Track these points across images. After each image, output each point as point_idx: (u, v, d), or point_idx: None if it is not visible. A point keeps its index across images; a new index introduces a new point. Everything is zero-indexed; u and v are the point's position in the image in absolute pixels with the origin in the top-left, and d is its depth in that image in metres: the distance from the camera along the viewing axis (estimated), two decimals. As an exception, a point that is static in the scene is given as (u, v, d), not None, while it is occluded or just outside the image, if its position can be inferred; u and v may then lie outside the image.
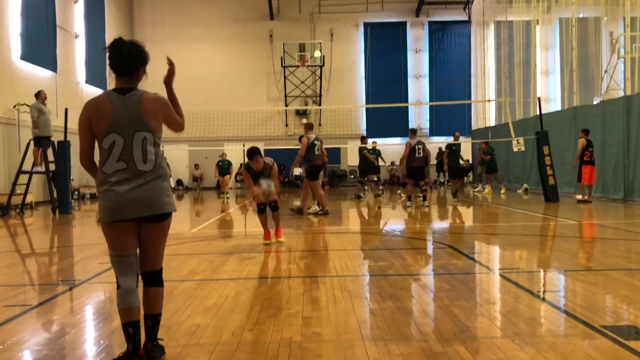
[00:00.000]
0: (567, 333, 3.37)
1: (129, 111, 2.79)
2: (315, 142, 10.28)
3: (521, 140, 14.76)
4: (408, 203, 12.61)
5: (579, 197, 12.88)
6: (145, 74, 2.94)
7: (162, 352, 3.00)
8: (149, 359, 2.88)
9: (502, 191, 16.93)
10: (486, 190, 17.27)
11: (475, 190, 18.09)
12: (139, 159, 2.80)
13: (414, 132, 12.68)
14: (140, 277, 3.01)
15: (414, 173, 12.33)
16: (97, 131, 2.79)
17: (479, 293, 4.47)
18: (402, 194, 15.34)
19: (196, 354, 3.06)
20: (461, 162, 15.29)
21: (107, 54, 2.90)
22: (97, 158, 2.92)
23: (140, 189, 2.77)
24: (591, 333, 3.29)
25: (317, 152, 10.20)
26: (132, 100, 2.81)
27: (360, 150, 16.00)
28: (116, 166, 2.77)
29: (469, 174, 24.24)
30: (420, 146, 12.18)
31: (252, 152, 6.78)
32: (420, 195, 12.35)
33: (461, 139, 24.50)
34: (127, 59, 2.86)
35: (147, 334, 2.93)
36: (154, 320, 2.95)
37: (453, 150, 14.73)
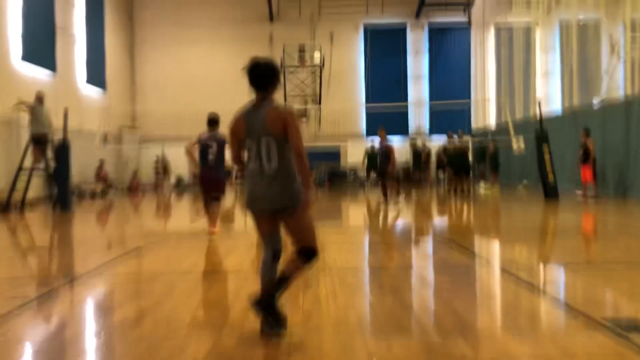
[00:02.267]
0: (567, 327, 3.37)
1: (257, 121, 3.33)
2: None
3: (521, 139, 14.79)
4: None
5: (591, 194, 13.22)
6: (278, 86, 3.45)
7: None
8: (268, 325, 3.28)
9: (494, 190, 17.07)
10: (492, 188, 17.40)
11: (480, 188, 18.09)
12: (265, 160, 3.30)
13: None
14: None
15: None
16: (241, 137, 3.41)
17: (479, 287, 4.48)
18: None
19: (197, 347, 3.06)
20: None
21: (246, 72, 3.39)
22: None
23: (265, 186, 3.29)
24: (591, 327, 3.29)
25: None
26: (261, 111, 3.34)
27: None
28: (253, 165, 3.34)
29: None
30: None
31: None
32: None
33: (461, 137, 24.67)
34: (259, 78, 3.36)
35: (278, 284, 3.41)
36: (282, 280, 3.41)
37: (458, 152, 14.83)
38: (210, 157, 7.76)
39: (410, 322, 3.47)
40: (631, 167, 12.75)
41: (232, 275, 4.99)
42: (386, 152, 12.70)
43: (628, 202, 11.59)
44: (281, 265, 3.51)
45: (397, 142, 22.53)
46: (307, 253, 3.47)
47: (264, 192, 3.30)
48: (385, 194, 12.81)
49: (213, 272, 5.18)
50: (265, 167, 3.29)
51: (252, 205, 3.37)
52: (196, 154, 7.82)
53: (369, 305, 3.93)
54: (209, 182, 7.76)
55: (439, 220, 10.22)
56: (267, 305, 3.28)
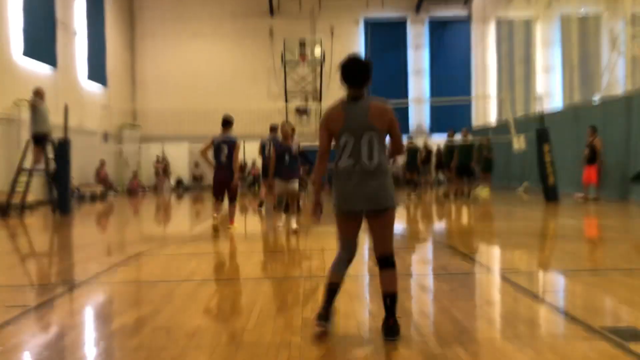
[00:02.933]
0: (567, 334, 3.37)
1: (359, 115, 3.23)
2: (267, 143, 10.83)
3: (522, 138, 14.73)
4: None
5: (591, 196, 13.03)
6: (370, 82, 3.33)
7: (399, 329, 3.28)
8: (390, 333, 3.24)
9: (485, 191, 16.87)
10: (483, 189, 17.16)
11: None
12: (366, 156, 3.19)
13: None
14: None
15: None
16: (333, 133, 3.28)
17: (478, 294, 4.47)
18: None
19: (196, 356, 3.07)
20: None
21: (341, 70, 3.35)
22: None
23: (364, 184, 3.16)
24: (591, 334, 3.29)
25: (266, 154, 10.69)
26: (363, 105, 3.26)
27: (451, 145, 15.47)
28: (347, 162, 3.20)
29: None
30: None
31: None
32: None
33: (458, 135, 24.64)
34: (358, 74, 3.28)
35: (388, 311, 3.28)
36: (392, 298, 3.30)
37: (463, 148, 14.63)
38: (223, 158, 8.02)
39: (410, 330, 3.47)
40: (632, 167, 12.67)
41: (232, 283, 4.99)
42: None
43: (629, 204, 11.53)
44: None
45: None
46: (388, 262, 3.34)
47: (364, 191, 3.15)
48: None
49: (213, 279, 5.18)
50: (364, 164, 3.17)
51: (347, 204, 3.20)
52: (211, 156, 8.21)
53: (369, 313, 3.93)
54: (220, 184, 8.08)
55: (438, 225, 10.20)
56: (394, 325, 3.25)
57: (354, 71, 3.27)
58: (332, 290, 3.34)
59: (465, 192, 14.95)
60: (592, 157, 12.75)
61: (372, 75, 3.30)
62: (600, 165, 12.76)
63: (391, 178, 3.27)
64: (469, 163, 14.57)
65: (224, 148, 8.00)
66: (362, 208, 3.20)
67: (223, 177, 8.05)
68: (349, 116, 3.22)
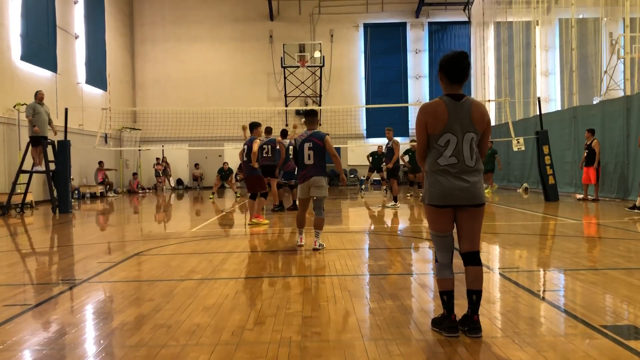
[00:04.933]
0: (567, 333, 3.37)
1: (462, 115, 3.26)
2: (264, 145, 11.04)
3: (521, 140, 14.78)
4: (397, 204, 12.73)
5: (591, 197, 13.22)
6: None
7: (481, 327, 3.30)
8: (474, 330, 3.26)
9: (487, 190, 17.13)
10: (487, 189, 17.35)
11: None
12: (467, 156, 3.27)
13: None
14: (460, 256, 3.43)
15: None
16: (433, 131, 3.28)
17: (478, 293, 4.47)
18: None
19: (196, 354, 3.06)
20: None
21: (445, 65, 3.31)
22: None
23: (465, 181, 3.25)
24: (591, 333, 3.30)
25: (264, 155, 11.05)
26: (465, 105, 3.29)
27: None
28: (448, 160, 3.25)
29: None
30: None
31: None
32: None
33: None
34: (464, 70, 3.29)
35: (472, 308, 3.30)
36: (477, 295, 3.31)
37: None
38: (245, 158, 9.43)
39: (410, 328, 3.47)
40: (631, 168, 12.73)
41: (231, 282, 4.98)
42: (391, 148, 12.80)
43: (628, 204, 11.56)
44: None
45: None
46: (476, 258, 3.35)
47: (464, 187, 3.24)
48: (393, 194, 12.82)
49: (213, 278, 5.18)
50: (466, 163, 3.26)
51: (446, 199, 3.26)
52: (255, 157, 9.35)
53: (369, 311, 3.93)
54: (247, 180, 9.59)
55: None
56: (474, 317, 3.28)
57: (459, 66, 3.27)
58: (450, 296, 3.34)
59: None
60: (591, 159, 12.93)
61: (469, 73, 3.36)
62: (598, 167, 12.91)
63: (482, 176, 3.37)
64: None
65: (245, 148, 9.55)
66: (461, 204, 3.28)
67: (249, 173, 9.48)
68: (453, 115, 3.25)
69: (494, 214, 11.55)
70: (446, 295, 3.33)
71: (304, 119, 7.01)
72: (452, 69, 3.28)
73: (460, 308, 3.48)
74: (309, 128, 6.73)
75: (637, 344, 3.07)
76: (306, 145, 6.64)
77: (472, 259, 3.34)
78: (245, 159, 9.49)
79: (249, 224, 9.46)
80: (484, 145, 3.38)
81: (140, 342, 3.29)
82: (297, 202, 7.55)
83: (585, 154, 13.13)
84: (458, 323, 3.31)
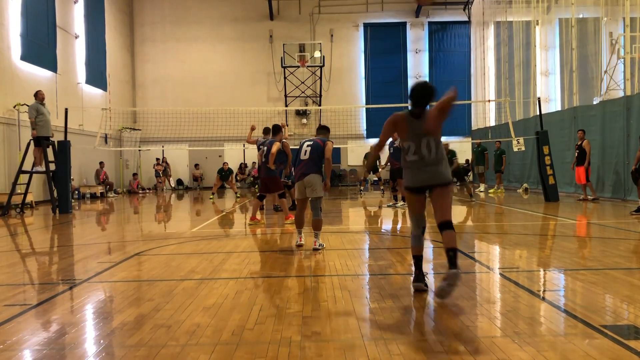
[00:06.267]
0: (567, 332, 3.37)
1: (417, 128, 4.30)
2: (261, 146, 11.05)
3: (521, 140, 14.79)
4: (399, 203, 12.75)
5: (590, 197, 13.24)
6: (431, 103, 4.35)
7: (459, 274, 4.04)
8: (450, 278, 3.96)
9: (490, 191, 17.20)
10: (497, 190, 17.44)
11: (481, 190, 18.06)
12: (425, 153, 4.28)
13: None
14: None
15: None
16: (401, 136, 4.39)
17: (478, 292, 4.47)
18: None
19: (196, 354, 3.06)
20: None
21: (410, 93, 4.35)
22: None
23: (425, 171, 4.29)
24: (591, 332, 3.30)
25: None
26: (421, 120, 4.31)
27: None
28: (412, 157, 4.33)
29: (469, 174, 24.28)
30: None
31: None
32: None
33: (459, 138, 24.70)
34: (424, 97, 4.32)
35: (450, 262, 4.04)
36: (453, 251, 4.08)
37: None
38: (263, 159, 9.44)
39: (410, 328, 3.47)
40: (631, 167, 12.70)
41: (231, 282, 4.98)
42: (398, 148, 12.84)
43: (628, 205, 11.56)
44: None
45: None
46: (448, 225, 4.20)
47: (427, 173, 4.27)
48: (401, 194, 12.81)
49: (213, 278, 5.18)
50: (426, 157, 4.29)
51: (415, 183, 4.31)
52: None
53: (369, 310, 3.93)
54: (263, 182, 9.65)
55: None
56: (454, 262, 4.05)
57: (419, 94, 4.31)
58: (418, 259, 4.44)
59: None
60: (582, 159, 13.04)
61: (433, 98, 4.33)
62: (588, 166, 13.00)
63: (446, 162, 4.34)
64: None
65: (264, 149, 9.59)
66: (428, 184, 4.30)
67: (261, 174, 9.63)
68: (411, 128, 4.31)
69: (495, 214, 11.55)
70: (415, 258, 4.47)
71: (309, 123, 7.32)
72: (414, 96, 4.31)
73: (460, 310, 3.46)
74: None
75: (637, 344, 3.07)
76: (306, 143, 6.72)
77: (446, 226, 4.20)
78: (263, 159, 9.50)
79: (249, 224, 9.47)
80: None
81: (140, 342, 3.29)
82: (296, 202, 7.46)
83: (577, 154, 13.23)
84: (423, 277, 4.43)
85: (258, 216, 9.84)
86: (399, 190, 12.85)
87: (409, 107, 4.41)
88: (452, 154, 16.90)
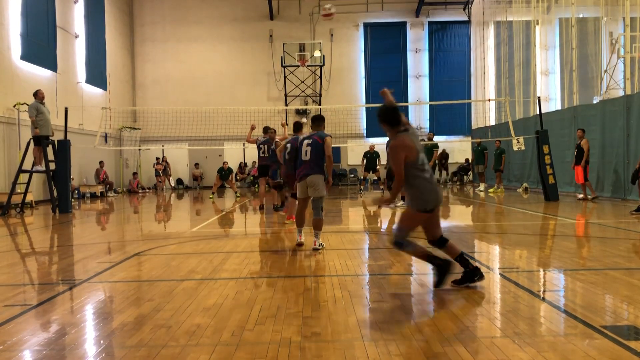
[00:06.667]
0: (567, 333, 3.37)
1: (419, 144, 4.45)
2: (260, 145, 11.29)
3: (521, 139, 14.79)
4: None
5: (590, 196, 13.21)
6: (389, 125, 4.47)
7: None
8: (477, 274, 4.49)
9: (490, 190, 17.20)
10: (497, 189, 17.42)
11: (481, 190, 18.05)
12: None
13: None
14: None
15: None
16: (413, 155, 4.32)
17: (478, 292, 4.47)
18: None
19: (196, 354, 3.06)
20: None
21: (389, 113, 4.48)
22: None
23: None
24: (591, 333, 3.30)
25: (261, 154, 11.33)
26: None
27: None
28: (429, 174, 4.42)
29: (469, 173, 24.31)
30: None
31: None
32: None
33: (459, 138, 24.71)
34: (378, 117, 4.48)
35: (465, 264, 4.50)
36: (461, 255, 4.51)
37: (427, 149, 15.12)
38: (287, 156, 9.04)
39: (410, 328, 3.47)
40: (631, 168, 12.69)
41: (231, 282, 4.98)
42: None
43: (628, 204, 11.56)
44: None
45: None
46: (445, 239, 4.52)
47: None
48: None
49: (213, 278, 5.18)
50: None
51: (438, 203, 4.37)
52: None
53: (369, 311, 3.93)
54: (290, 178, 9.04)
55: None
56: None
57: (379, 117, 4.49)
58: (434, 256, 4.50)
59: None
60: (580, 158, 13.00)
61: (386, 120, 4.43)
62: (586, 165, 12.97)
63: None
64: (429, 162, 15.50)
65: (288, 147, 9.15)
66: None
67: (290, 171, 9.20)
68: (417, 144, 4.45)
69: (495, 214, 11.55)
70: (431, 257, 4.51)
71: (309, 123, 7.04)
72: (395, 116, 4.44)
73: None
74: (314, 131, 6.76)
75: (637, 344, 3.07)
76: (306, 142, 6.63)
77: (445, 238, 4.50)
78: (287, 157, 9.16)
79: (286, 222, 9.34)
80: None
81: (141, 342, 3.29)
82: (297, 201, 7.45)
83: (575, 153, 13.23)
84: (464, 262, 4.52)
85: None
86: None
87: (396, 128, 4.39)
88: (501, 151, 17.06)
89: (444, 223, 10.24)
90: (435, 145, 17.37)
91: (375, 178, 17.02)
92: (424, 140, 17.08)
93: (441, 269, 4.40)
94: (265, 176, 11.37)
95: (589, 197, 13.23)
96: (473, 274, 4.43)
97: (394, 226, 4.40)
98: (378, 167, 17.96)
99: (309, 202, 6.75)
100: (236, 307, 4.03)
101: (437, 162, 21.04)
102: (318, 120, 6.85)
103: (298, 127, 10.83)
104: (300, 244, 6.74)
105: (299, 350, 3.09)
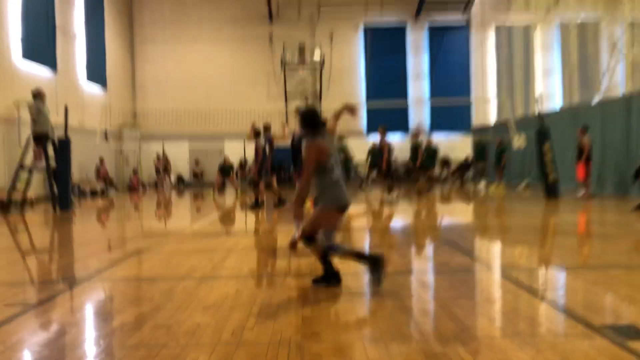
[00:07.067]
0: (567, 332, 3.37)
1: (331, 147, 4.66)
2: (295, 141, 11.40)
3: (522, 137, 14.78)
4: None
5: (584, 194, 13.15)
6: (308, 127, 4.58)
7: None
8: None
9: (491, 187, 17.22)
10: (498, 186, 17.40)
11: (481, 187, 18.05)
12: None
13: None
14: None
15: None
16: (324, 157, 4.47)
17: (479, 292, 4.47)
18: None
19: (196, 354, 3.06)
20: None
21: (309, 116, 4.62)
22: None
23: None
24: (591, 332, 3.29)
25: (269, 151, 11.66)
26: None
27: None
28: (338, 175, 4.59)
29: (469, 170, 24.27)
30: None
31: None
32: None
33: (460, 136, 24.69)
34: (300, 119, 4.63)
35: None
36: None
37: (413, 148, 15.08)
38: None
39: (410, 328, 3.47)
40: (632, 166, 12.69)
41: (232, 280, 4.98)
42: (381, 149, 12.98)
43: (628, 201, 11.56)
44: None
45: (397, 140, 22.50)
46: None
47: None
48: (389, 189, 13.03)
49: (213, 276, 5.18)
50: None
51: (348, 201, 4.53)
52: None
53: (369, 310, 3.93)
54: None
55: (439, 220, 10.21)
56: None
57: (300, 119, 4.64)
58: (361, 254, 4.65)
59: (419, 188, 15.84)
60: (581, 155, 12.96)
61: (305, 123, 4.54)
62: (587, 163, 12.89)
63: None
64: (416, 162, 15.56)
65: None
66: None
67: None
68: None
69: (494, 211, 11.55)
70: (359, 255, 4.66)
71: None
72: (316, 120, 4.56)
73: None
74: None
75: (637, 344, 3.06)
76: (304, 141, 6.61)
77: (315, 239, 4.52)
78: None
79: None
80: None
81: (141, 342, 3.29)
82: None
83: (577, 152, 13.19)
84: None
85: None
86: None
87: (313, 131, 4.52)
88: (502, 149, 17.08)
89: (445, 220, 10.36)
90: (436, 150, 17.28)
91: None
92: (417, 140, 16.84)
93: (375, 264, 4.51)
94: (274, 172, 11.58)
95: (590, 194, 13.16)
96: (333, 276, 4.54)
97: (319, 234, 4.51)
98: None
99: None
100: (236, 307, 4.03)
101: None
102: (306, 125, 6.77)
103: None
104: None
105: (299, 349, 3.09)
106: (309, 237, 4.45)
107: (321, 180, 4.45)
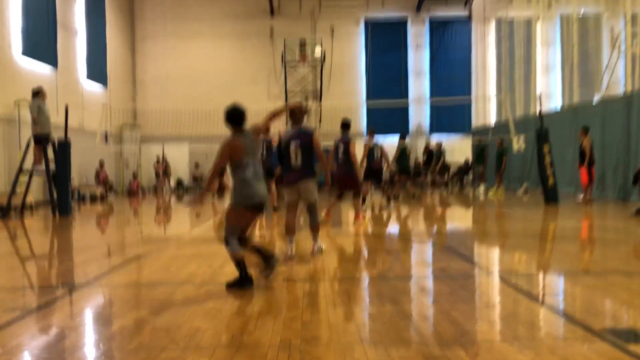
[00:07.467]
0: (567, 336, 3.37)
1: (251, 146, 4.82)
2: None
3: (521, 139, 14.75)
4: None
5: (584, 198, 12.79)
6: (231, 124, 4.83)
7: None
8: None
9: (490, 191, 17.09)
10: (497, 190, 17.18)
11: (480, 191, 18.00)
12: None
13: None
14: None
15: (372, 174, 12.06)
16: (238, 155, 4.71)
17: (478, 296, 4.47)
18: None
19: (196, 357, 3.06)
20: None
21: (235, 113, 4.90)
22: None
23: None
24: (590, 336, 3.29)
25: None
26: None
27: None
28: (252, 173, 4.77)
29: (469, 173, 24.25)
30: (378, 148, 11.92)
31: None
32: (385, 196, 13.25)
33: (459, 136, 24.68)
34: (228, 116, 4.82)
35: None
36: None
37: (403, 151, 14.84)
38: (340, 156, 9.14)
39: (410, 332, 3.47)
40: (632, 168, 12.63)
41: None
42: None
43: (628, 205, 11.51)
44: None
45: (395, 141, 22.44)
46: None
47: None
48: (387, 197, 12.93)
49: (212, 281, 5.18)
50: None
51: (259, 200, 4.59)
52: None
53: (369, 315, 3.93)
54: (342, 180, 9.26)
55: (438, 225, 10.19)
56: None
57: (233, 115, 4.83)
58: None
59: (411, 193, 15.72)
60: (583, 158, 12.44)
61: (228, 120, 4.78)
62: (590, 166, 12.42)
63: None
64: (407, 165, 15.31)
65: (341, 146, 9.20)
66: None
67: (342, 172, 9.18)
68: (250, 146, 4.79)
69: (494, 216, 11.54)
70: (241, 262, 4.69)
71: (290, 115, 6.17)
72: (241, 117, 4.86)
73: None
74: (296, 125, 6.05)
75: (637, 348, 3.06)
76: (293, 143, 5.95)
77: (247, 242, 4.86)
78: (342, 156, 9.00)
79: (355, 224, 9.36)
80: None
81: (140, 345, 3.29)
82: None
83: (580, 154, 12.71)
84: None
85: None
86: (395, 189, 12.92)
87: (236, 128, 4.71)
88: (502, 152, 16.98)
89: (445, 226, 10.32)
90: (440, 152, 17.27)
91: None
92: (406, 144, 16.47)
93: (267, 261, 4.84)
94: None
95: (590, 198, 12.79)
96: (247, 280, 4.65)
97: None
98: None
99: (298, 208, 6.33)
100: (236, 311, 4.03)
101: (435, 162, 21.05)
102: (294, 118, 6.06)
103: (347, 127, 10.01)
104: (290, 258, 6.04)
105: (299, 353, 3.09)
106: (226, 240, 4.62)
107: (234, 178, 4.58)
